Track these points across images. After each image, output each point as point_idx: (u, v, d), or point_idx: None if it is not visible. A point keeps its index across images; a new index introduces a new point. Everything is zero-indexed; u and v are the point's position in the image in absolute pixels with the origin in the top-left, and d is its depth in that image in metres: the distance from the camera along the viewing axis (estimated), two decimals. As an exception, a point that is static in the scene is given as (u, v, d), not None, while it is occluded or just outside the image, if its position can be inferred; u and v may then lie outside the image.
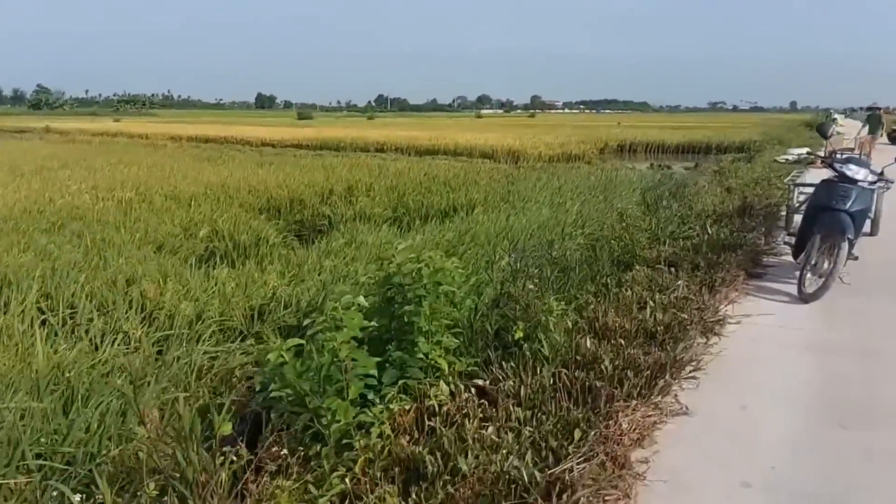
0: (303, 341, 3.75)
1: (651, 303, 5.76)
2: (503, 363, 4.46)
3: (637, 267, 7.07)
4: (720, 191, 13.59)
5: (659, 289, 6.31)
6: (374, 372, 3.73)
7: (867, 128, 22.03)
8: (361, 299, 4.00)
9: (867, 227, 9.23)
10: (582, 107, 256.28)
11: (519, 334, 4.75)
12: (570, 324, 5.02)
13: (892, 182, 7.88)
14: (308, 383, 3.49)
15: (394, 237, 8.92)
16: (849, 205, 6.46)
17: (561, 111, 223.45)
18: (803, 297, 6.40)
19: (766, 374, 4.74)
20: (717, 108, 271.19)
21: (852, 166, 6.78)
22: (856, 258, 6.89)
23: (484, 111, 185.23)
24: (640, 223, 9.51)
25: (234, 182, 13.94)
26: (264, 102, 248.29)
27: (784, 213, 9.79)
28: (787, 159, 20.34)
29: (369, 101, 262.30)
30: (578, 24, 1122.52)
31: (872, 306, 6.27)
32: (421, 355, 4.14)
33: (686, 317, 5.34)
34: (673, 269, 6.91)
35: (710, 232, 8.85)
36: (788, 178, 11.51)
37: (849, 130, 25.79)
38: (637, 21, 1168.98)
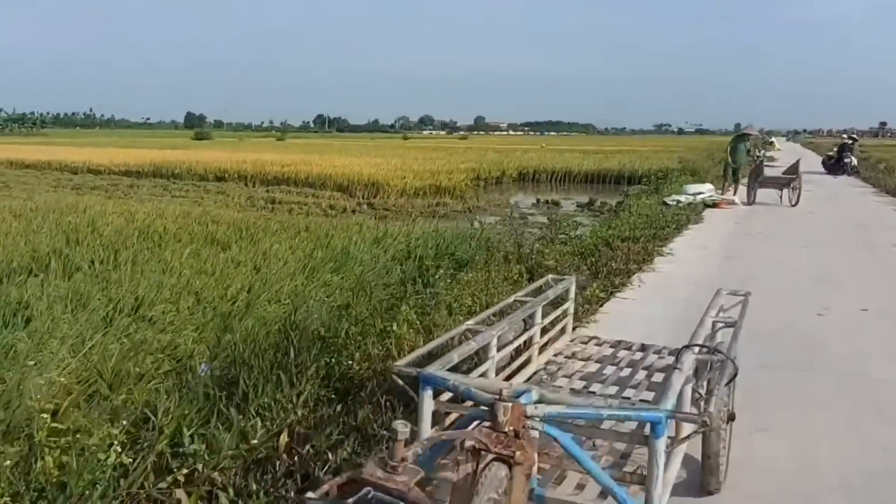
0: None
1: None
2: None
3: None
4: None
5: None
6: None
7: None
8: None
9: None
10: (526, 128, 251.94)
11: None
12: None
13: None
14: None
15: None
16: None
17: (505, 133, 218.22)
18: None
19: None
20: (663, 131, 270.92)
21: None
22: None
23: (425, 132, 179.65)
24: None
25: None
26: (193, 122, 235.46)
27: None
28: (678, 201, 14.88)
29: (304, 122, 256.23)
30: (527, 45, 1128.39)
31: None
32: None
33: None
34: None
35: None
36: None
37: (786, 156, 20.64)
38: (586, 43, 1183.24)
